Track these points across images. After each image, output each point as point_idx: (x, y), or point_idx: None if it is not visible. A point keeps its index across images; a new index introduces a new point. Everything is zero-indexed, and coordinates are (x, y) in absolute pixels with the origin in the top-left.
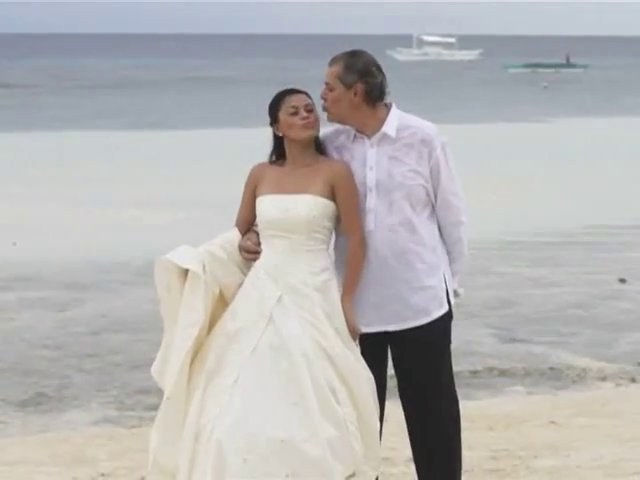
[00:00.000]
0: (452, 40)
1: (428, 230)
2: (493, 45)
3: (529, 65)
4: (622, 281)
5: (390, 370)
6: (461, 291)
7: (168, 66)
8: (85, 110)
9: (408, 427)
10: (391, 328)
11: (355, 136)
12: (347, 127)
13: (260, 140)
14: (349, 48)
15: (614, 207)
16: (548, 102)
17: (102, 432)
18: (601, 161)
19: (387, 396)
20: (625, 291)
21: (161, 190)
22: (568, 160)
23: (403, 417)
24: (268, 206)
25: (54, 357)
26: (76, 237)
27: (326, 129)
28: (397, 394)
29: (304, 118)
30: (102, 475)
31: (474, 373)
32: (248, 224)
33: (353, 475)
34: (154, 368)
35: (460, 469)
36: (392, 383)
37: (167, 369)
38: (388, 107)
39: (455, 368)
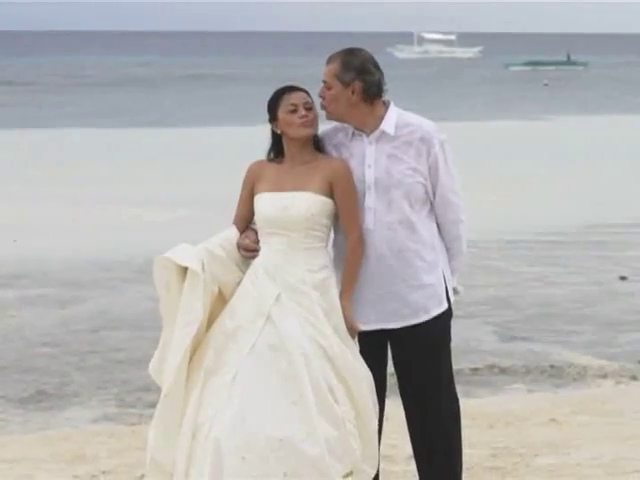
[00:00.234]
0: (452, 38)
1: (427, 228)
2: (493, 43)
3: (530, 63)
4: (623, 279)
5: (390, 368)
6: (460, 289)
7: (168, 64)
8: (85, 108)
9: (408, 425)
10: (390, 326)
11: (354, 134)
12: (345, 125)
13: (258, 138)
14: (349, 45)
15: (615, 205)
16: (548, 100)
17: (102, 430)
18: (601, 159)
19: (387, 394)
20: (626, 289)
21: (161, 188)
22: (568, 158)
23: (404, 415)
24: (266, 204)
25: (54, 355)
26: (76, 235)
27: (325, 127)
28: (397, 392)
29: (303, 116)
30: (103, 473)
31: (475, 371)
32: (246, 222)
33: (351, 474)
34: (152, 366)
35: (461, 467)
36: (392, 381)
37: (165, 367)
38: (386, 105)
39: (456, 366)
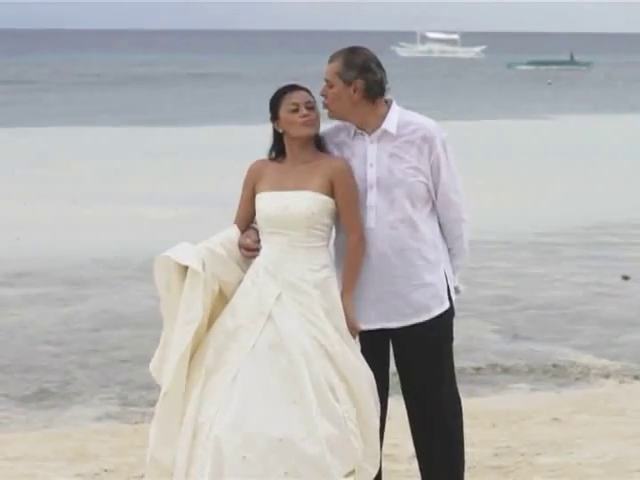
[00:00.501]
0: (455, 37)
1: (429, 227)
2: (496, 42)
3: (533, 62)
4: (625, 278)
5: (392, 367)
6: (462, 288)
7: (170, 62)
8: (87, 106)
9: (410, 424)
10: (392, 325)
11: (355, 133)
12: (347, 124)
13: (260, 137)
14: (352, 44)
15: (618, 205)
16: (552, 99)
17: (105, 428)
18: (606, 159)
19: (390, 393)
20: (628, 288)
21: (163, 187)
22: (572, 158)
23: (406, 414)
24: (267, 203)
25: (57, 353)
26: (78, 233)
27: (326, 126)
28: (400, 391)
29: (304, 115)
30: (105, 471)
31: (477, 370)
32: (247, 221)
33: (352, 473)
34: (152, 365)
35: (463, 466)
36: (395, 380)
37: (165, 366)
38: (388, 103)
39: (458, 365)
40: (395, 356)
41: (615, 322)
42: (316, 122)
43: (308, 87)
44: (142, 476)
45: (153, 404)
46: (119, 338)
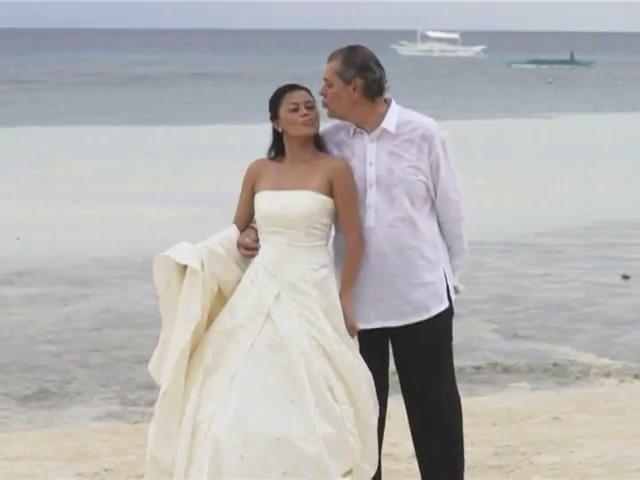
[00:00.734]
0: (456, 36)
1: (428, 226)
2: (496, 41)
3: (533, 61)
4: (625, 277)
5: (392, 367)
6: (461, 287)
7: (170, 62)
8: (87, 106)
9: (410, 423)
10: (391, 324)
11: (355, 132)
12: (347, 123)
13: (261, 137)
14: (352, 43)
15: (618, 204)
16: (553, 98)
17: (105, 427)
18: (606, 158)
19: (389, 392)
20: (628, 287)
21: (163, 186)
22: (572, 157)
23: (405, 413)
24: (266, 202)
25: (57, 352)
26: (79, 233)
27: (326, 125)
28: (399, 390)
29: (304, 115)
30: (105, 470)
31: (477, 369)
32: (246, 221)
33: (351, 472)
34: (151, 365)
35: (463, 465)
36: (394, 379)
37: (164, 365)
38: (387, 102)
39: (458, 364)
40: (394, 355)
41: (615, 321)
42: (316, 122)
43: (308, 87)
44: (142, 475)
45: (153, 404)
46: (119, 338)
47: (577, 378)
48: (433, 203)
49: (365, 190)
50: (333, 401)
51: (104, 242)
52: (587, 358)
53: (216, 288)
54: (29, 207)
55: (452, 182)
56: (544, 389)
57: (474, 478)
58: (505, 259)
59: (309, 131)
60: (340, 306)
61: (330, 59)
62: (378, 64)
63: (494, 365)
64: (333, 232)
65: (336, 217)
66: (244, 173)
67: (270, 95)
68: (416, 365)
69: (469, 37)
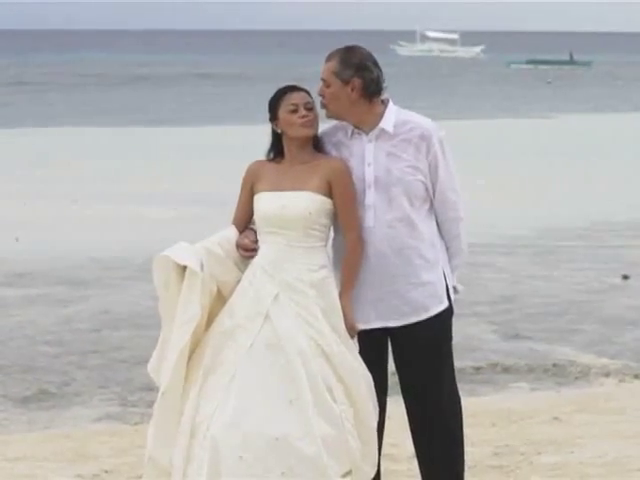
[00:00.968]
0: (455, 36)
1: (427, 226)
2: (495, 41)
3: (532, 61)
4: (625, 277)
5: (391, 367)
6: (460, 288)
7: (170, 63)
8: (87, 107)
9: (410, 423)
10: (391, 324)
11: (353, 132)
12: (344, 124)
13: (260, 137)
14: (351, 43)
15: (618, 204)
16: (553, 98)
17: (105, 429)
18: (605, 158)
19: (389, 393)
20: (628, 287)
21: (163, 186)
22: (572, 157)
23: (405, 414)
24: (265, 203)
25: (56, 353)
26: (78, 233)
27: (324, 126)
28: (399, 391)
29: (303, 116)
30: (105, 472)
31: (477, 369)
32: (245, 222)
33: (350, 473)
34: (151, 366)
35: (463, 465)
36: (394, 380)
37: (164, 365)
38: (385, 103)
39: (458, 364)
40: (394, 356)
41: (615, 321)
42: (315, 123)
43: (308, 88)
44: (141, 476)
45: (153, 405)
46: (119, 339)
47: (577, 378)
48: (431, 203)
49: (364, 190)
50: (332, 401)
51: (104, 243)
52: (587, 358)
53: (215, 289)
54: (29, 207)
55: (450, 182)
56: (544, 389)
57: (474, 478)
58: (505, 259)
59: (308, 132)
60: (339, 307)
61: (328, 59)
62: (376, 64)
63: (494, 365)
64: (332, 233)
65: (335, 218)
66: (243, 174)
67: (270, 96)
68: (416, 365)
69: (468, 37)
